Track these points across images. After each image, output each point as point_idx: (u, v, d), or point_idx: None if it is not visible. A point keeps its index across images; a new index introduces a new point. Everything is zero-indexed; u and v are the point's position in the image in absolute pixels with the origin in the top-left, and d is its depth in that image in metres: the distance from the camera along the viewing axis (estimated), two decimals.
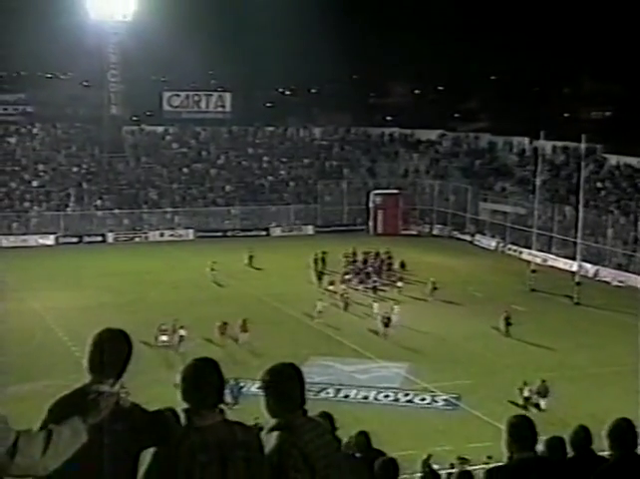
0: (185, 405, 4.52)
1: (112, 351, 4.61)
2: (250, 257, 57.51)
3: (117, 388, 4.49)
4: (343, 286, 49.44)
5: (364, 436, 9.95)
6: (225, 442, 4.43)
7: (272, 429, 4.68)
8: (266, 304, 45.20)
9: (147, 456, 4.50)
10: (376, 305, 45.64)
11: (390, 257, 56.02)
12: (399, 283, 51.25)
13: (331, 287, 49.52)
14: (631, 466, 5.20)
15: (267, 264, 56.92)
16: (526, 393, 33.56)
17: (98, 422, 4.25)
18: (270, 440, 4.63)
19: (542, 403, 33.32)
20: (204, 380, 4.54)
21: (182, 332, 39.18)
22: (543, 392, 33.57)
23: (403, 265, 54.87)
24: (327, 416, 6.71)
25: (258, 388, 4.92)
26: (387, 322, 41.67)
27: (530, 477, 5.40)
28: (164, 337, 37.27)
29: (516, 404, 33.48)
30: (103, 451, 4.34)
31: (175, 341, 38.46)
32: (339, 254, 55.91)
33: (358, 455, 8.85)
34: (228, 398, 31.40)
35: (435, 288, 49.67)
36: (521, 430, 5.61)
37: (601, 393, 33.75)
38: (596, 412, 26.03)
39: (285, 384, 4.77)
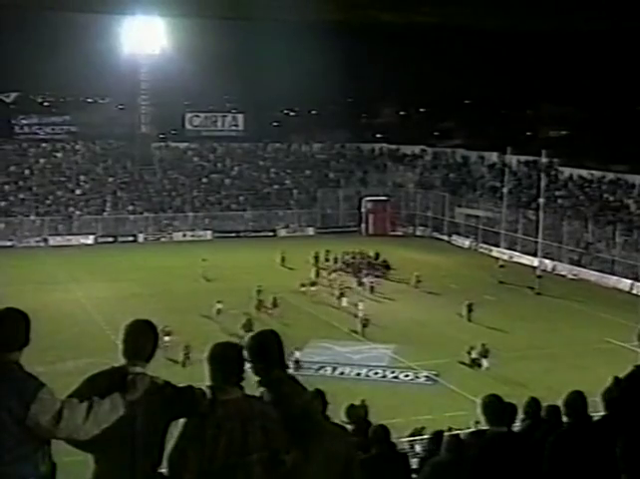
0: (211, 382, 4.56)
1: (140, 339, 4.59)
2: (283, 259, 55.83)
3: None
4: (326, 280, 49.15)
5: (363, 409, 9.87)
6: (246, 414, 4.48)
7: (259, 385, 4.79)
8: (272, 294, 44.88)
9: (175, 428, 4.53)
10: (345, 300, 44.49)
11: (377, 257, 55.61)
12: (364, 279, 49.93)
13: (313, 288, 47.45)
14: (583, 430, 5.23)
15: (274, 260, 56.51)
16: (473, 355, 35.38)
17: (136, 399, 4.29)
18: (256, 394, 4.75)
19: (484, 362, 35.02)
20: (228, 361, 4.59)
21: (219, 306, 40.74)
22: (484, 353, 35.21)
23: (388, 267, 53.89)
24: (320, 393, 6.57)
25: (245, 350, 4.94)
26: (365, 323, 39.72)
27: (500, 450, 5.41)
28: (167, 338, 32.22)
29: (464, 363, 35.32)
30: (139, 421, 4.37)
31: (214, 313, 40.40)
32: (334, 253, 55.79)
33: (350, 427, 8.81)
34: None
35: (419, 281, 49.57)
36: (493, 408, 5.58)
37: (557, 369, 33.74)
38: (552, 385, 26.03)
39: (264, 347, 4.84)
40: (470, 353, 35.50)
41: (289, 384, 4.85)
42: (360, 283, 49.60)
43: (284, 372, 4.87)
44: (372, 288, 48.72)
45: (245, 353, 4.82)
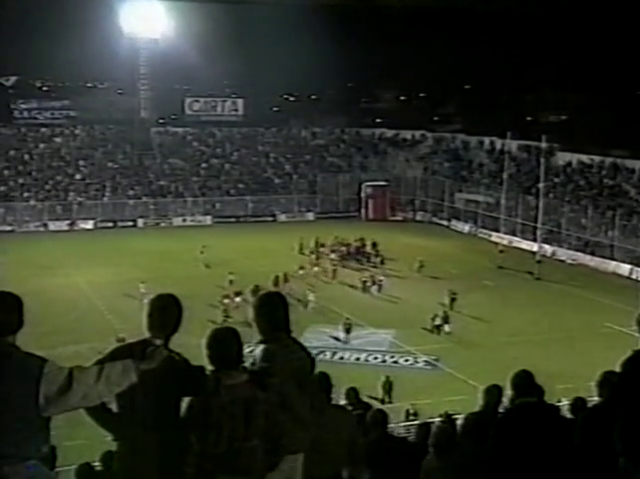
0: (213, 368, 4.61)
1: (164, 313, 4.68)
2: (301, 245, 54.65)
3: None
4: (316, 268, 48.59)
5: (353, 391, 10.00)
6: (249, 399, 4.52)
7: (259, 342, 4.94)
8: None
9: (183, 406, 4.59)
10: (312, 295, 41.55)
11: (375, 245, 54.73)
12: (335, 269, 48.92)
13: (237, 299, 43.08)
14: (614, 409, 5.20)
15: (274, 246, 56.32)
16: (437, 322, 37.46)
17: (151, 369, 4.32)
18: (257, 352, 4.89)
19: (446, 327, 37.26)
20: (227, 346, 4.62)
21: (231, 277, 42.65)
22: (446, 319, 37.36)
23: (383, 261, 52.18)
24: (325, 376, 6.46)
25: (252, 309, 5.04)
26: (348, 328, 37.23)
27: (528, 418, 5.50)
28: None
29: (427, 329, 37.37)
30: (152, 392, 4.45)
31: (227, 284, 41.86)
32: (320, 241, 54.95)
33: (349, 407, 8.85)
34: None
35: (421, 266, 49.38)
36: (523, 381, 5.81)
37: (556, 354, 33.76)
38: (551, 370, 26.05)
39: (271, 308, 4.98)
40: (433, 320, 37.40)
41: (289, 343, 4.93)
42: (373, 281, 46.16)
43: (288, 335, 4.94)
44: (380, 287, 45.78)
45: (251, 311, 4.92)
